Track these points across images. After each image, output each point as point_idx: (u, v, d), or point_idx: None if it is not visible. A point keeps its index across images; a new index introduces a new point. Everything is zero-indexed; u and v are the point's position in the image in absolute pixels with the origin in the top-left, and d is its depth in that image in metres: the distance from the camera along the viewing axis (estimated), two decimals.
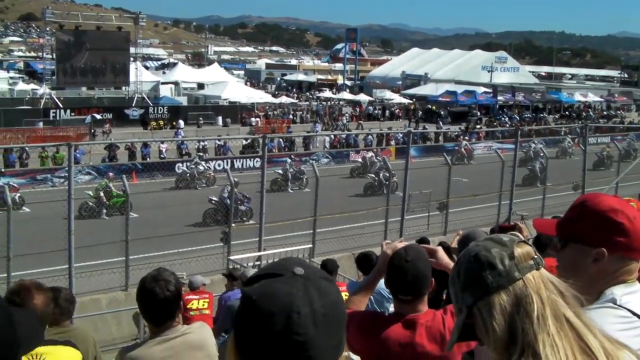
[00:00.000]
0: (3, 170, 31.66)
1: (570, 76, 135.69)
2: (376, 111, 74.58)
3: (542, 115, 78.06)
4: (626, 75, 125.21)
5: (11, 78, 79.99)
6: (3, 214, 17.17)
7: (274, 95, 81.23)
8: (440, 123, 66.73)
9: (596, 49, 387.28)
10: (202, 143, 43.64)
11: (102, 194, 27.10)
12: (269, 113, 67.29)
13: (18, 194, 26.47)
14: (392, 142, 48.43)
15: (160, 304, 4.20)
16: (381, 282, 4.28)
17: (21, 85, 71.84)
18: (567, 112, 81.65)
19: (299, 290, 1.67)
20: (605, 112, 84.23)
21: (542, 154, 30.90)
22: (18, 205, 24.90)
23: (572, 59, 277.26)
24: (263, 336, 1.64)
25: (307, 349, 1.62)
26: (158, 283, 4.20)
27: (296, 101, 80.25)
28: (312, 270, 1.75)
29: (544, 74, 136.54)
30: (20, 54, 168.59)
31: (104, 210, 26.09)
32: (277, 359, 1.64)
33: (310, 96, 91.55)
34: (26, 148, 38.93)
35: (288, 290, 1.66)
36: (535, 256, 2.01)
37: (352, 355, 4.12)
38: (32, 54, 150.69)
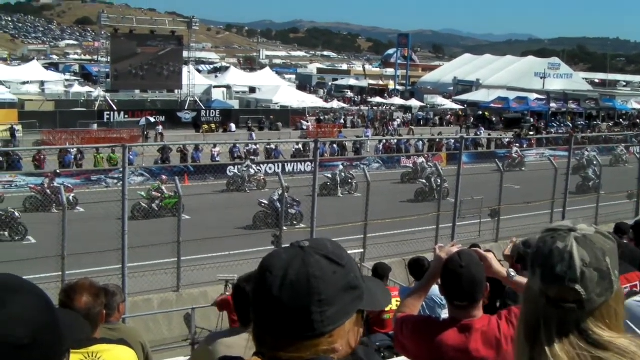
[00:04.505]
0: (58, 171, 32.12)
1: (624, 83, 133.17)
2: (421, 115, 74.34)
3: (595, 122, 76.92)
4: None
5: (67, 80, 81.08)
6: (58, 213, 17.44)
7: (326, 100, 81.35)
8: (482, 129, 66.12)
9: None
10: (253, 146, 43.95)
11: (154, 194, 27.39)
12: (320, 118, 67.41)
13: (72, 194, 26.86)
14: (443, 149, 48.24)
15: (247, 302, 4.29)
16: (434, 288, 4.26)
17: (76, 88, 72.78)
18: (621, 120, 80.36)
19: (287, 256, 1.80)
20: None
21: (595, 162, 30.43)
22: (72, 205, 25.28)
23: (627, 65, 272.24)
24: (251, 291, 1.86)
25: (271, 308, 1.76)
26: (249, 283, 4.30)
27: (347, 106, 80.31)
28: (319, 246, 1.83)
29: (597, 81, 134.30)
30: (76, 57, 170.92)
31: (157, 211, 26.30)
32: (254, 313, 1.84)
33: (357, 100, 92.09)
34: (81, 149, 39.52)
35: (279, 255, 1.83)
36: None
37: None
38: (88, 57, 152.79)
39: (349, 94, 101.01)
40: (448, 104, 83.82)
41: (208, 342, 4.49)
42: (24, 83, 70.80)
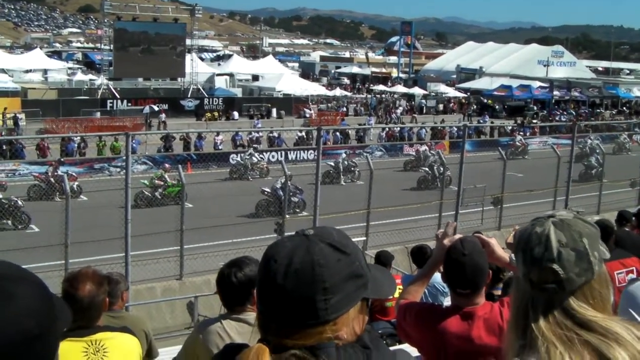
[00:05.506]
0: (62, 159, 32.13)
1: (628, 71, 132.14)
2: (424, 103, 74.36)
3: (598, 110, 76.66)
4: None
5: (70, 69, 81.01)
6: (61, 201, 17.45)
7: (328, 88, 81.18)
8: (487, 117, 66.14)
9: None
10: (256, 134, 43.94)
11: (157, 183, 27.37)
12: (322, 106, 67.31)
13: (76, 183, 26.86)
14: (446, 136, 48.20)
15: (228, 287, 4.31)
16: (436, 276, 4.26)
17: (79, 76, 72.85)
18: (624, 108, 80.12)
19: (292, 244, 1.81)
20: None
21: (598, 150, 30.37)
22: (76, 193, 25.26)
23: (631, 53, 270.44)
24: (257, 279, 1.86)
25: (275, 296, 1.77)
26: (231, 268, 4.31)
27: (350, 94, 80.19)
28: (324, 234, 1.84)
29: (601, 68, 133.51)
30: (79, 45, 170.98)
31: (159, 200, 26.28)
32: (258, 300, 1.85)
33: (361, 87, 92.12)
34: (84, 137, 39.51)
35: (283, 243, 1.84)
36: None
37: (408, 348, 4.11)
38: (90, 45, 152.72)
39: (345, 81, 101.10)
40: (451, 91, 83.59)
41: (198, 330, 4.49)
42: (26, 71, 70.78)
